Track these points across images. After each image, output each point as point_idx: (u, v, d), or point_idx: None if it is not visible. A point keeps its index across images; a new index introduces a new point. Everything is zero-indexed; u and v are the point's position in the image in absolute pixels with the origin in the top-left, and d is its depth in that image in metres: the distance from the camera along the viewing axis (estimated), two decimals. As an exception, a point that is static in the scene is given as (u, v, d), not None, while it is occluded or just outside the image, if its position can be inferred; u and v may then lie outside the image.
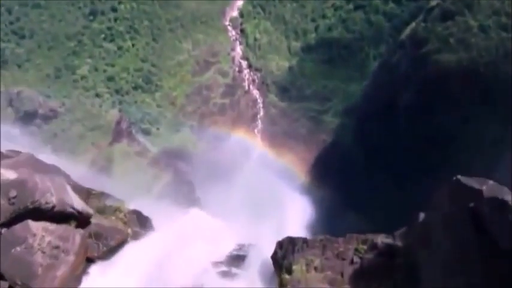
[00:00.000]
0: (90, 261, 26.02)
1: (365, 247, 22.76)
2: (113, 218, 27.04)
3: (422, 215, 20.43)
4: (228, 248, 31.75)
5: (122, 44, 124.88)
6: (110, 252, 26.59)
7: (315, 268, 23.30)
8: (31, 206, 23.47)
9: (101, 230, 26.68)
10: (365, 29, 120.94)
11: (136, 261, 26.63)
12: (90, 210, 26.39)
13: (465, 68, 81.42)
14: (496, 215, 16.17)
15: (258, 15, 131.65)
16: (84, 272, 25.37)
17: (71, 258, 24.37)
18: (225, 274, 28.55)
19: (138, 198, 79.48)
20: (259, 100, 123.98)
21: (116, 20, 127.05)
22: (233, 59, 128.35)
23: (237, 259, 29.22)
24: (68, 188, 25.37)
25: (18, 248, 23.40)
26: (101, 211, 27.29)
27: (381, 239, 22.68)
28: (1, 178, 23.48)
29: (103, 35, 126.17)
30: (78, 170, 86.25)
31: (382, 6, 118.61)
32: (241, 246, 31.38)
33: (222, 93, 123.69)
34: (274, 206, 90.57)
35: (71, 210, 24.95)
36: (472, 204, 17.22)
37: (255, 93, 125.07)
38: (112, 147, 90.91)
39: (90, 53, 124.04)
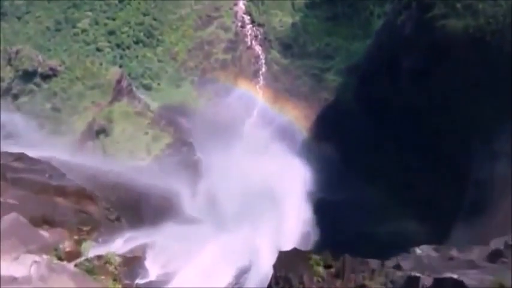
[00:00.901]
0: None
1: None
2: (102, 277, 26.65)
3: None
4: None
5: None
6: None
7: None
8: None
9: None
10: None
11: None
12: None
13: (471, 35, 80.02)
14: None
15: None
16: None
17: None
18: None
19: (136, 161, 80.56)
20: (261, 56, 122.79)
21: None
22: (236, 13, 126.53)
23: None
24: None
25: None
26: (90, 271, 26.69)
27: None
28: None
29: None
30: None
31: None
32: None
33: (224, 48, 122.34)
34: (276, 165, 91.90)
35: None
36: None
37: (258, 49, 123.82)
38: (112, 106, 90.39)
39: (90, 6, 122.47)
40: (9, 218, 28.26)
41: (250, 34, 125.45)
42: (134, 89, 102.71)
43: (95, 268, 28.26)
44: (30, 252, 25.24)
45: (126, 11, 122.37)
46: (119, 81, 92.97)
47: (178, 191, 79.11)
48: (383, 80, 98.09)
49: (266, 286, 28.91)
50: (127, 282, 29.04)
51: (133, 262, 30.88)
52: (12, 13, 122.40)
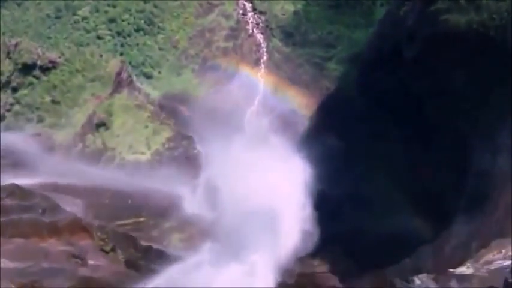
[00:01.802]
0: None
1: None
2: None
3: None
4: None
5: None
6: None
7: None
8: None
9: None
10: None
11: None
12: None
13: (475, 30, 79.16)
14: None
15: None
16: None
17: None
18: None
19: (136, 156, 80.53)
20: (262, 44, 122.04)
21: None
22: (237, 1, 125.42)
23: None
24: None
25: None
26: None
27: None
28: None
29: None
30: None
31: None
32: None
33: (226, 36, 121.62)
34: (276, 159, 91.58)
35: None
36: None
37: (259, 37, 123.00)
38: (112, 98, 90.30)
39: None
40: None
41: (251, 22, 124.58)
42: (135, 79, 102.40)
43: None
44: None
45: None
46: (119, 73, 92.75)
47: (179, 195, 79.46)
48: (385, 70, 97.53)
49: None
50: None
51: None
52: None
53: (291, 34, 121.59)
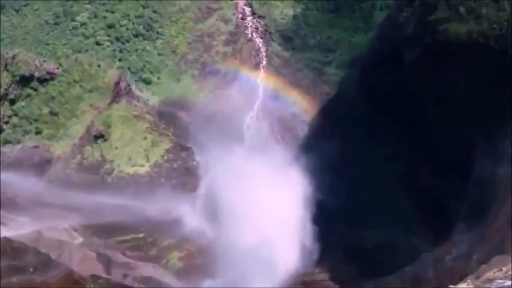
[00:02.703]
0: None
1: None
2: None
3: None
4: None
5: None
6: None
7: None
8: None
9: None
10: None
11: None
12: None
13: (474, 40, 78.49)
14: None
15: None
16: None
17: None
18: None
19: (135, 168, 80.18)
20: (262, 49, 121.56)
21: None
22: (236, 5, 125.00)
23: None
24: None
25: None
26: None
27: None
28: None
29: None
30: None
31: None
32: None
33: (225, 40, 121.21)
34: (276, 168, 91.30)
35: None
36: None
37: (258, 41, 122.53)
38: (111, 109, 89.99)
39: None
40: None
41: (250, 26, 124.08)
42: (133, 87, 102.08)
43: None
44: None
45: (125, 4, 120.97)
46: (117, 83, 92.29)
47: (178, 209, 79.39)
48: (385, 75, 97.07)
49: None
50: None
51: None
52: (11, 5, 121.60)
53: (290, 38, 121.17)
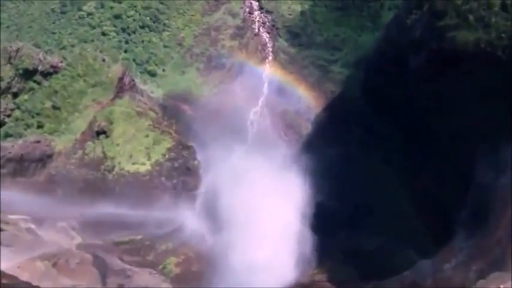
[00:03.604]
0: None
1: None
2: None
3: None
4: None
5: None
6: None
7: None
8: None
9: None
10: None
11: None
12: None
13: (482, 49, 77.72)
14: None
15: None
16: None
17: None
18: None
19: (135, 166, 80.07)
20: (268, 44, 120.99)
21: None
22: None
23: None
24: None
25: None
26: None
27: None
28: None
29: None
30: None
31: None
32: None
33: (232, 34, 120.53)
34: (276, 169, 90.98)
35: None
36: None
37: (265, 36, 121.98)
38: (114, 104, 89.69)
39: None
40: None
41: (258, 21, 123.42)
42: (137, 81, 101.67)
43: None
44: None
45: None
46: (121, 78, 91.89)
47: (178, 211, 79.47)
48: (390, 77, 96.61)
49: None
50: None
51: None
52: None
53: (297, 35, 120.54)
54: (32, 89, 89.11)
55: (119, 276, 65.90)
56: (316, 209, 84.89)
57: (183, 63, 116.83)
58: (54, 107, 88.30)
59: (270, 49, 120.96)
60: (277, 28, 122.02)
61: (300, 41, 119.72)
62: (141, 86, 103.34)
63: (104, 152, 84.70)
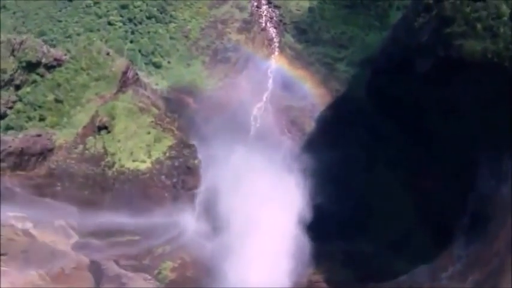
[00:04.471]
0: None
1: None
2: None
3: None
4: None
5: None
6: None
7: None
8: None
9: None
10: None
11: None
12: None
13: (489, 59, 76.86)
14: None
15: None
16: None
17: None
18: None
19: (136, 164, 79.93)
20: (275, 39, 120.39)
21: None
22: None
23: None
24: None
25: None
26: None
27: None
28: None
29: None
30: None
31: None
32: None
33: (238, 28, 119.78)
34: (277, 168, 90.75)
35: None
36: None
37: (272, 31, 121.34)
38: (116, 98, 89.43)
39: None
40: None
41: (265, 15, 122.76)
42: (141, 75, 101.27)
43: None
44: None
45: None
46: (125, 73, 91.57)
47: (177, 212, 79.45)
48: (395, 78, 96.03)
49: None
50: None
51: None
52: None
53: (304, 31, 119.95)
54: (34, 81, 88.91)
55: (113, 282, 66.03)
56: (315, 210, 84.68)
57: (189, 56, 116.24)
58: (57, 100, 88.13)
59: (277, 44, 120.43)
60: (284, 23, 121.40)
61: (306, 38, 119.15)
62: (145, 79, 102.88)
63: (104, 148, 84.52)
